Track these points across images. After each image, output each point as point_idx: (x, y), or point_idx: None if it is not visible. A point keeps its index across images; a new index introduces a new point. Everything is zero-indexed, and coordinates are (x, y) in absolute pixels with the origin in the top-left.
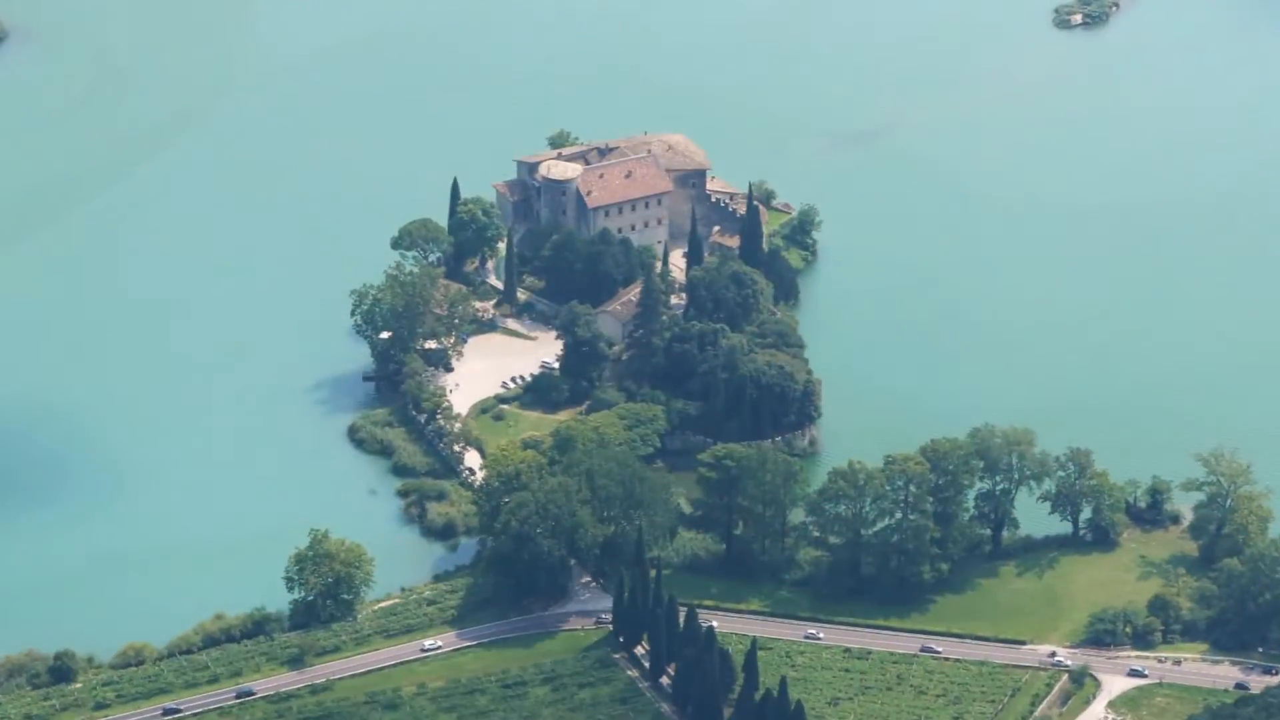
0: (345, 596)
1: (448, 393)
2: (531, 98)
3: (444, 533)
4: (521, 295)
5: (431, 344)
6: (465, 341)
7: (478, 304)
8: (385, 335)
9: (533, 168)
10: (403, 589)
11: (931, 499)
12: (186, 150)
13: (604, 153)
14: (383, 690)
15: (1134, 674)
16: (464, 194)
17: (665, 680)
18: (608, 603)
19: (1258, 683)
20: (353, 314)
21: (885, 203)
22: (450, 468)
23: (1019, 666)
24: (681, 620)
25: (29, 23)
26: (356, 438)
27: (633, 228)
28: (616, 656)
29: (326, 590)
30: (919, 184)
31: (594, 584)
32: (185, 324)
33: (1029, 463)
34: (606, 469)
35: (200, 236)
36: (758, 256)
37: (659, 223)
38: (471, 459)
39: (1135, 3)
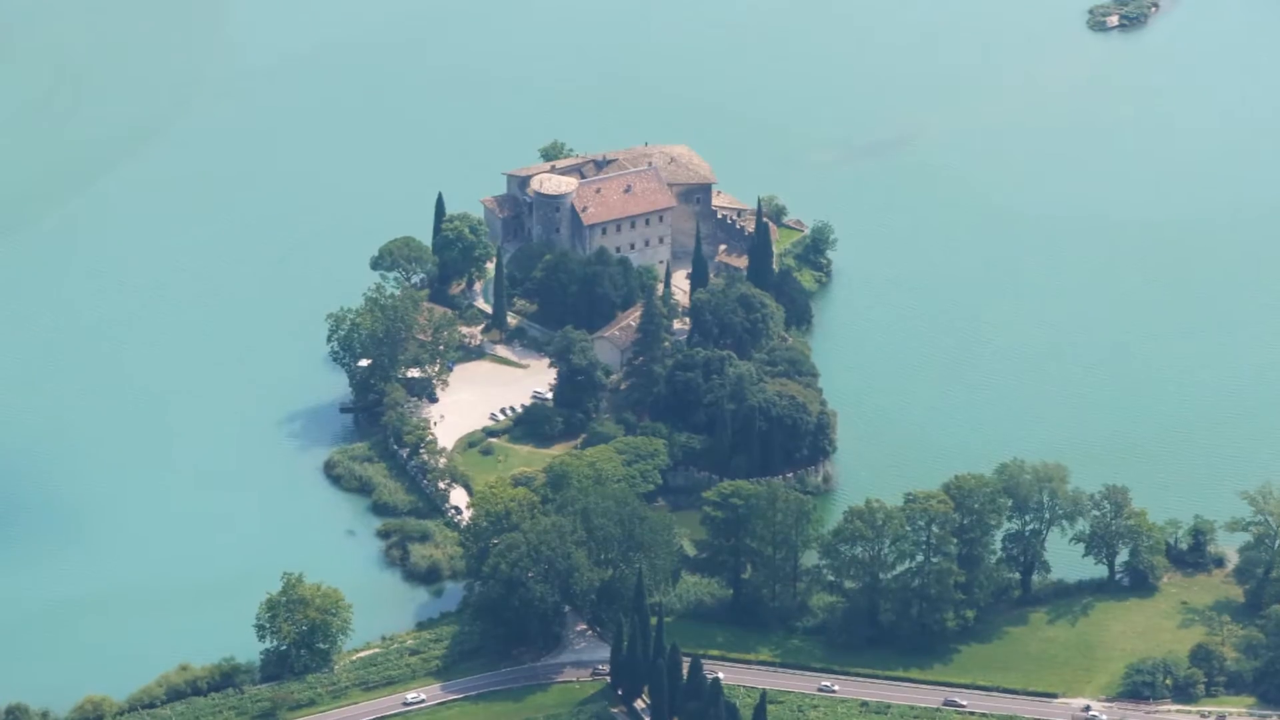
0: (321, 646)
1: (432, 425)
2: (523, 106)
3: (428, 577)
4: (512, 320)
5: (414, 372)
6: (451, 370)
7: (464, 329)
8: (364, 363)
9: (524, 182)
10: (383, 637)
11: (956, 540)
12: (150, 162)
13: (601, 165)
14: None
15: None
16: (449, 210)
17: None
18: (605, 652)
19: None
20: (329, 340)
21: (904, 219)
22: (435, 506)
23: None
24: (685, 671)
25: None
26: (333, 474)
27: (632, 246)
28: (615, 711)
29: (301, 639)
30: (941, 199)
31: (590, 632)
32: (148, 351)
33: (1061, 501)
34: (604, 508)
35: (164, 256)
36: (767, 278)
37: (660, 241)
38: (458, 497)
39: (1176, 3)
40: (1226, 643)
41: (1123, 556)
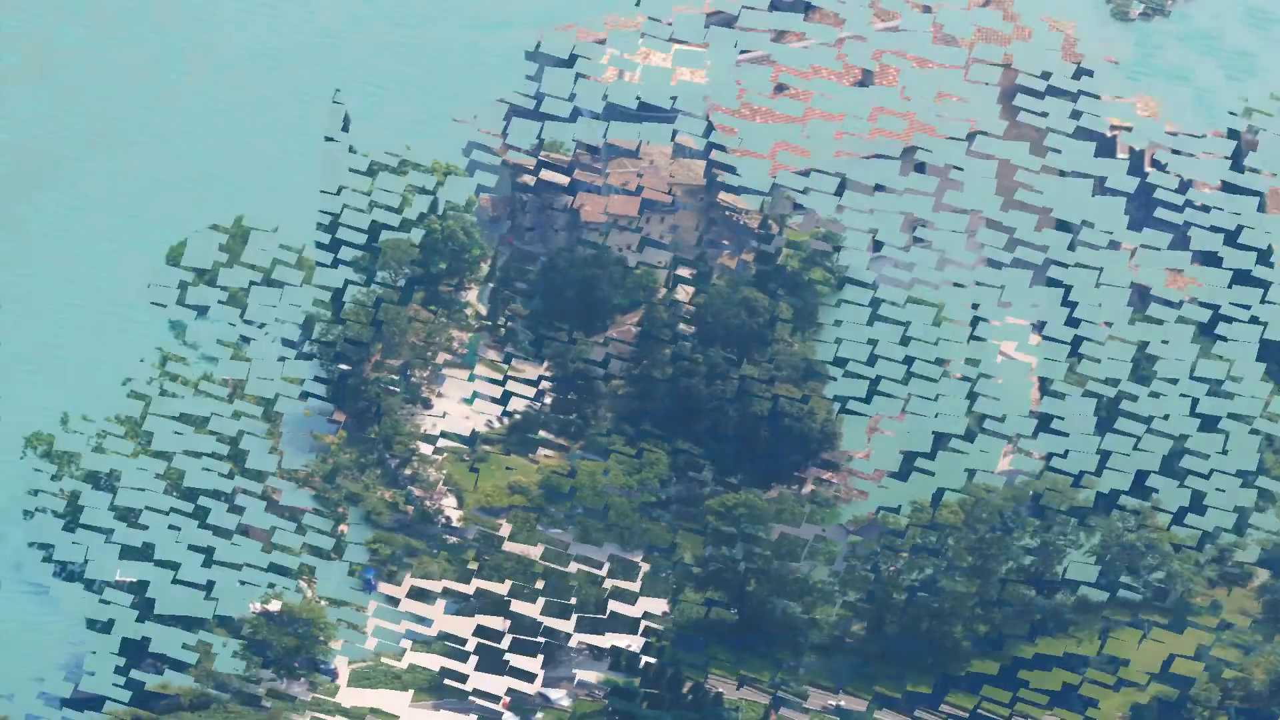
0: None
1: (423, 433)
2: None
3: (419, 591)
4: (506, 323)
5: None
6: (442, 376)
7: (456, 333)
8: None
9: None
10: (372, 654)
11: (970, 554)
12: (131, 162)
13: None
14: None
15: None
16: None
17: None
18: (604, 669)
19: None
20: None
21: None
22: (426, 517)
23: None
24: (686, 688)
25: None
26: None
27: (631, 248)
28: None
29: (286, 656)
30: (954, 195)
31: (588, 649)
32: (130, 353)
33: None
34: (601, 519)
35: (141, 254)
36: (773, 279)
37: (662, 240)
38: (449, 507)
39: None
40: (1259, 665)
41: (1148, 573)
